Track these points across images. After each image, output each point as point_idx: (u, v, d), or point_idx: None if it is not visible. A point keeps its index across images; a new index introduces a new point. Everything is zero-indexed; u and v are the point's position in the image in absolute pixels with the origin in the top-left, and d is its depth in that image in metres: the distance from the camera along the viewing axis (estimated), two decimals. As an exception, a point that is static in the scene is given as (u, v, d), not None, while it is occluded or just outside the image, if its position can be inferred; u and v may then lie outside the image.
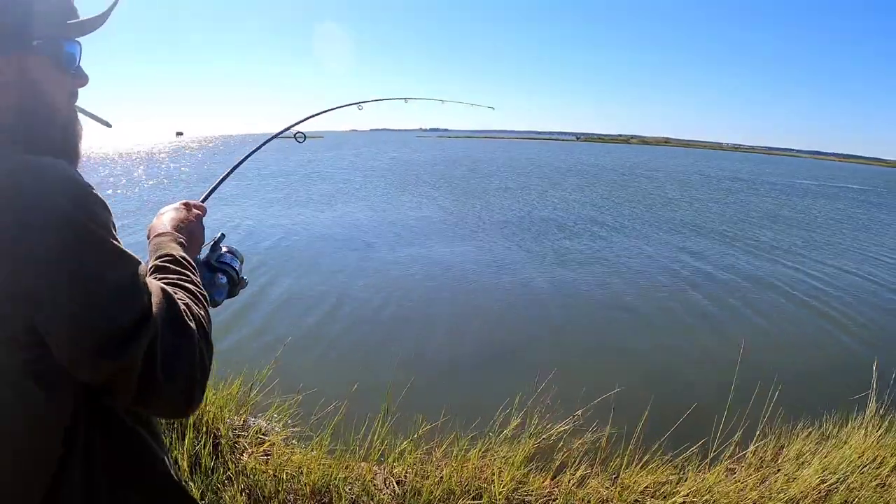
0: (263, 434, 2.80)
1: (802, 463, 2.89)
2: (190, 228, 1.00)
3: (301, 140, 1.51)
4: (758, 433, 3.06)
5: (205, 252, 1.10)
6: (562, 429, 3.05)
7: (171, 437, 2.41)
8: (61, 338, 0.63)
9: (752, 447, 3.01)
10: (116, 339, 0.63)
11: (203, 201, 1.16)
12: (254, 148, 1.45)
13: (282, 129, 1.53)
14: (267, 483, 2.36)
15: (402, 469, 2.60)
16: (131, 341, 0.64)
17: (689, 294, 7.57)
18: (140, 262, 0.71)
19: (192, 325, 0.73)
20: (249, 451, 2.62)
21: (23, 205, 0.62)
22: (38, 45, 0.73)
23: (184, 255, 0.90)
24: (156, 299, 0.69)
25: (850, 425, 3.45)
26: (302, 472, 2.45)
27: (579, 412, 3.12)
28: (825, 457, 2.93)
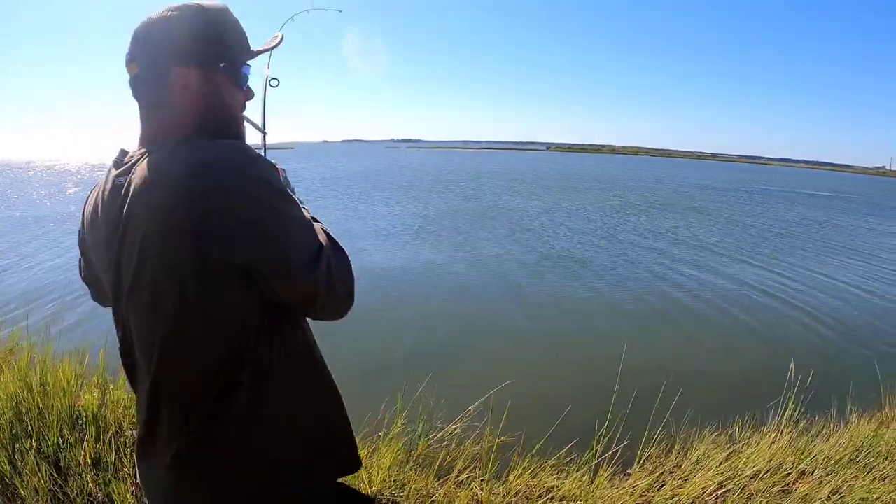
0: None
1: (702, 468, 2.82)
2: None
3: (275, 85, 1.45)
4: (655, 437, 3.00)
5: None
6: (454, 430, 3.00)
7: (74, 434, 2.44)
8: (285, 264, 0.87)
9: (650, 450, 2.97)
10: (313, 259, 0.89)
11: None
12: (262, 112, 1.48)
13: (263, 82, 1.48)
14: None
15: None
16: (320, 260, 0.89)
17: (609, 297, 7.60)
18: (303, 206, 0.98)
19: (340, 243, 0.97)
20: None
21: (236, 169, 0.85)
22: (223, 67, 0.98)
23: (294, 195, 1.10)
24: (321, 233, 0.95)
25: (763, 429, 3.42)
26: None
27: (477, 413, 3.07)
28: (726, 461, 2.87)
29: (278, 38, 1.12)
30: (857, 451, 3.23)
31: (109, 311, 1.00)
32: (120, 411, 2.78)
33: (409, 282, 8.00)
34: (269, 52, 1.12)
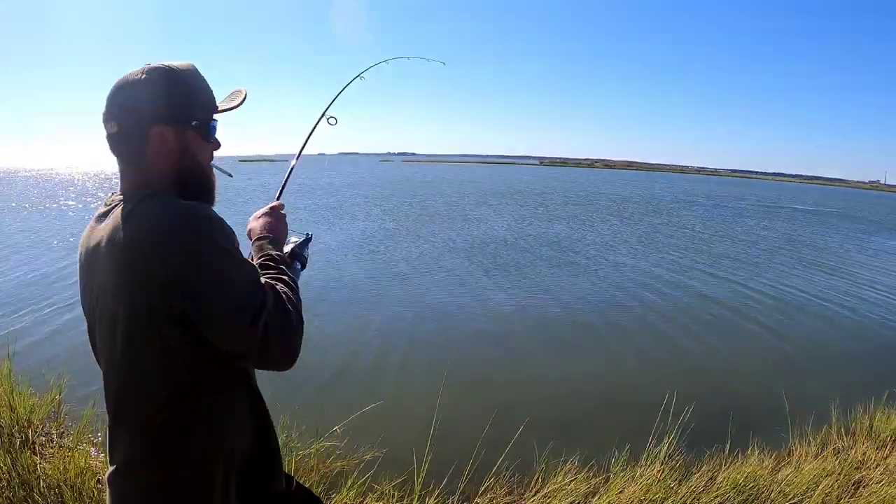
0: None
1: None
2: (276, 226, 1.29)
3: (333, 123, 1.70)
4: (504, 473, 2.91)
5: (288, 247, 1.36)
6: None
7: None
8: (214, 320, 0.96)
9: (490, 481, 2.90)
10: (246, 318, 0.95)
11: (278, 198, 1.45)
12: (304, 140, 1.72)
13: (318, 117, 1.75)
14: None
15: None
16: (258, 318, 0.95)
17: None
18: (254, 266, 1.11)
19: (290, 307, 1.03)
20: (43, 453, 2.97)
21: (183, 232, 0.95)
22: (195, 125, 1.11)
23: (278, 253, 1.21)
24: (269, 292, 1.01)
25: (621, 465, 3.27)
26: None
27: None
28: (590, 497, 2.70)
29: (242, 95, 1.19)
30: (736, 490, 3.06)
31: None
32: None
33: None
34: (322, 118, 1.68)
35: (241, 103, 1.18)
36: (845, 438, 4.05)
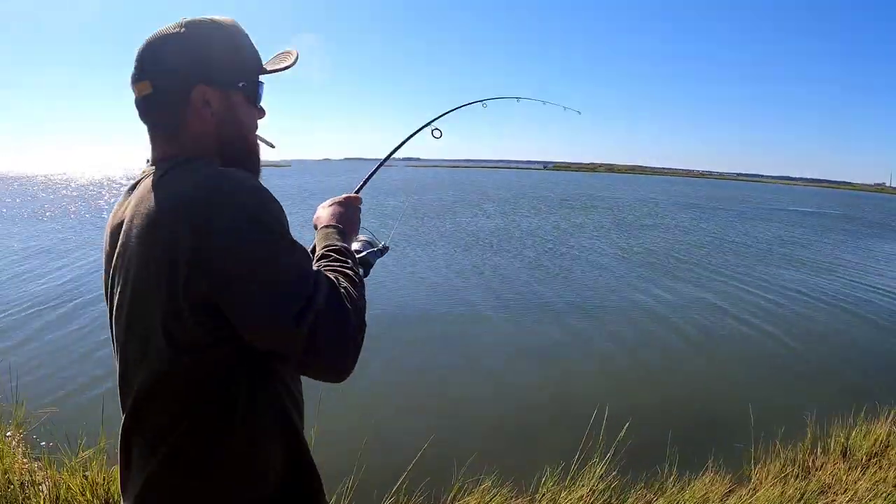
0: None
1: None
2: (348, 218, 1.17)
3: (438, 136, 1.66)
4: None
5: (356, 246, 1.23)
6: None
7: None
8: (248, 312, 0.78)
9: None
10: (291, 313, 0.77)
11: (357, 192, 1.33)
12: (399, 143, 1.64)
13: (422, 125, 1.70)
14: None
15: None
16: (305, 313, 0.78)
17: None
18: (307, 252, 0.88)
19: (349, 305, 0.85)
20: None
21: (220, 202, 0.79)
22: (242, 86, 0.97)
23: (345, 244, 1.06)
24: (322, 284, 0.83)
25: (550, 485, 2.88)
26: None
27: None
28: None
29: (293, 56, 1.04)
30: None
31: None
32: None
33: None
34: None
35: (292, 64, 1.03)
36: (817, 457, 3.63)
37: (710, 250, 14.11)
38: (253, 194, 0.82)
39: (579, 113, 2.51)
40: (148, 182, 0.87)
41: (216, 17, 0.94)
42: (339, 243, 1.05)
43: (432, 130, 1.68)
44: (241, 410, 0.86)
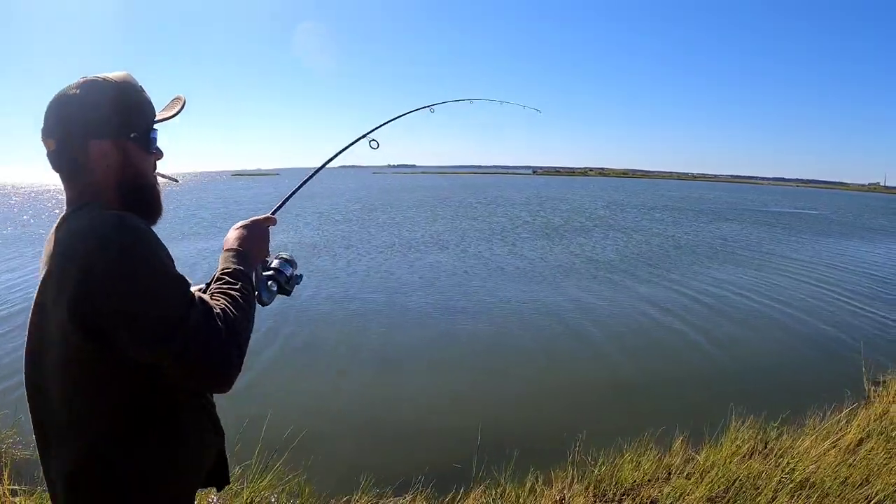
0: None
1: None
2: (252, 240, 1.24)
3: (375, 147, 1.66)
4: None
5: (271, 261, 1.33)
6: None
7: None
8: (129, 336, 0.92)
9: None
10: (165, 331, 0.91)
11: (273, 213, 1.38)
12: (331, 156, 1.64)
13: (357, 136, 1.70)
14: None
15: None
16: (172, 337, 0.91)
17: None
18: (184, 281, 1.00)
19: (221, 324, 0.97)
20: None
21: (99, 244, 0.93)
22: (133, 137, 1.09)
23: (238, 267, 1.15)
24: (196, 307, 0.96)
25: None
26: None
27: None
28: None
29: (181, 103, 1.18)
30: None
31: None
32: None
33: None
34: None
35: (179, 111, 1.17)
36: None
37: (642, 250, 13.87)
38: (131, 233, 0.95)
39: (539, 111, 2.55)
40: (59, 225, 1.02)
41: (109, 74, 1.07)
42: (233, 266, 1.14)
43: (370, 141, 1.68)
44: (147, 425, 1.01)
